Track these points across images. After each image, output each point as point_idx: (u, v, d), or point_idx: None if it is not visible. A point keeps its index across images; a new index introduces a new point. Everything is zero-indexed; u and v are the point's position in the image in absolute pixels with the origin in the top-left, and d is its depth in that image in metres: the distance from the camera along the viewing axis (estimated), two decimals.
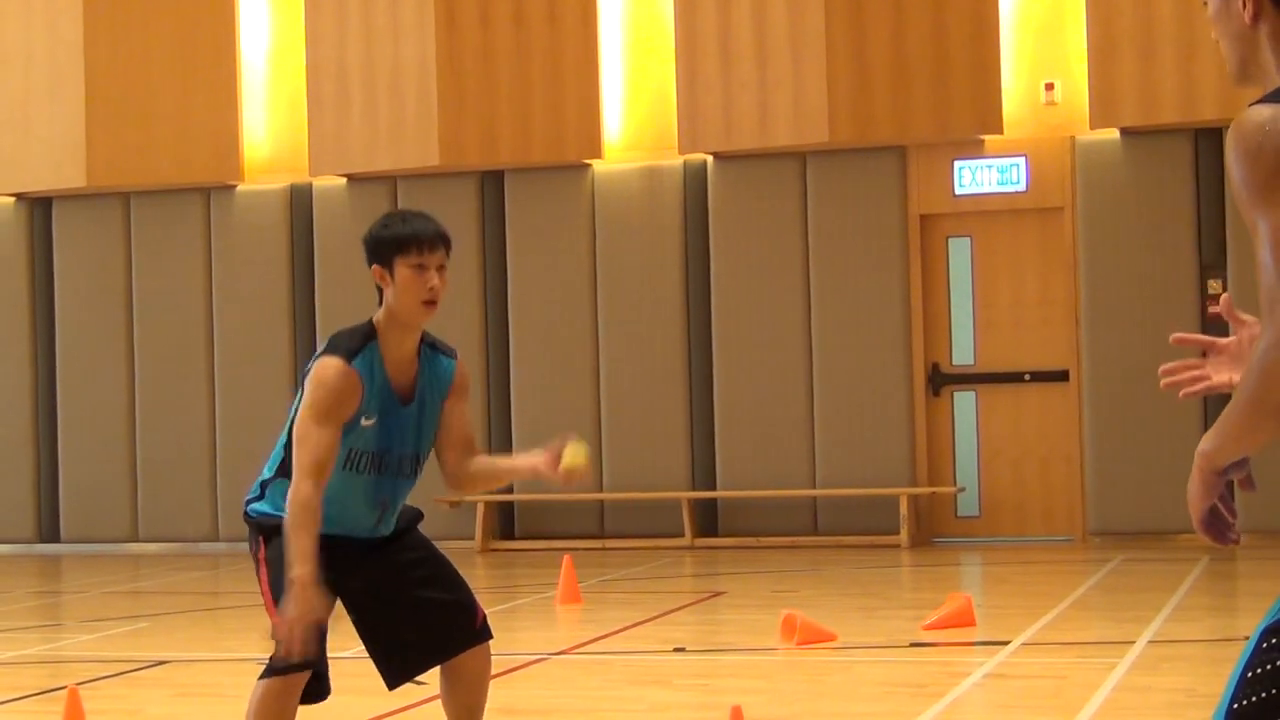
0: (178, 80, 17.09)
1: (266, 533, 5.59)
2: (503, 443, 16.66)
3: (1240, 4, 3.19)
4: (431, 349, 5.71)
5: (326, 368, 5.48)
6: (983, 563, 14.83)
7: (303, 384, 5.58)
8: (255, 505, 5.69)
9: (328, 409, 5.43)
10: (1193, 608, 11.23)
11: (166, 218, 17.52)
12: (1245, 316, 3.37)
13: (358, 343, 5.54)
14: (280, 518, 5.55)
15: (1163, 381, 3.44)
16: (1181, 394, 3.44)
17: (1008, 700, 8.27)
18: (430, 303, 5.52)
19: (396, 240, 5.52)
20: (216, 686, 9.20)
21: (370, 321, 5.61)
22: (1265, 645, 3.07)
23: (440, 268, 5.54)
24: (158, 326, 17.52)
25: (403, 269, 5.51)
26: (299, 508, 5.34)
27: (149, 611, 13.02)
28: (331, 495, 5.53)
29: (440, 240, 5.56)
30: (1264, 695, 3.03)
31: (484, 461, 5.80)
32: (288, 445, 5.58)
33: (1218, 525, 3.20)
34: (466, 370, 5.83)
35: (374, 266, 5.57)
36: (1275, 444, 3.10)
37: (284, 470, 5.59)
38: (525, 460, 5.61)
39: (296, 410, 5.56)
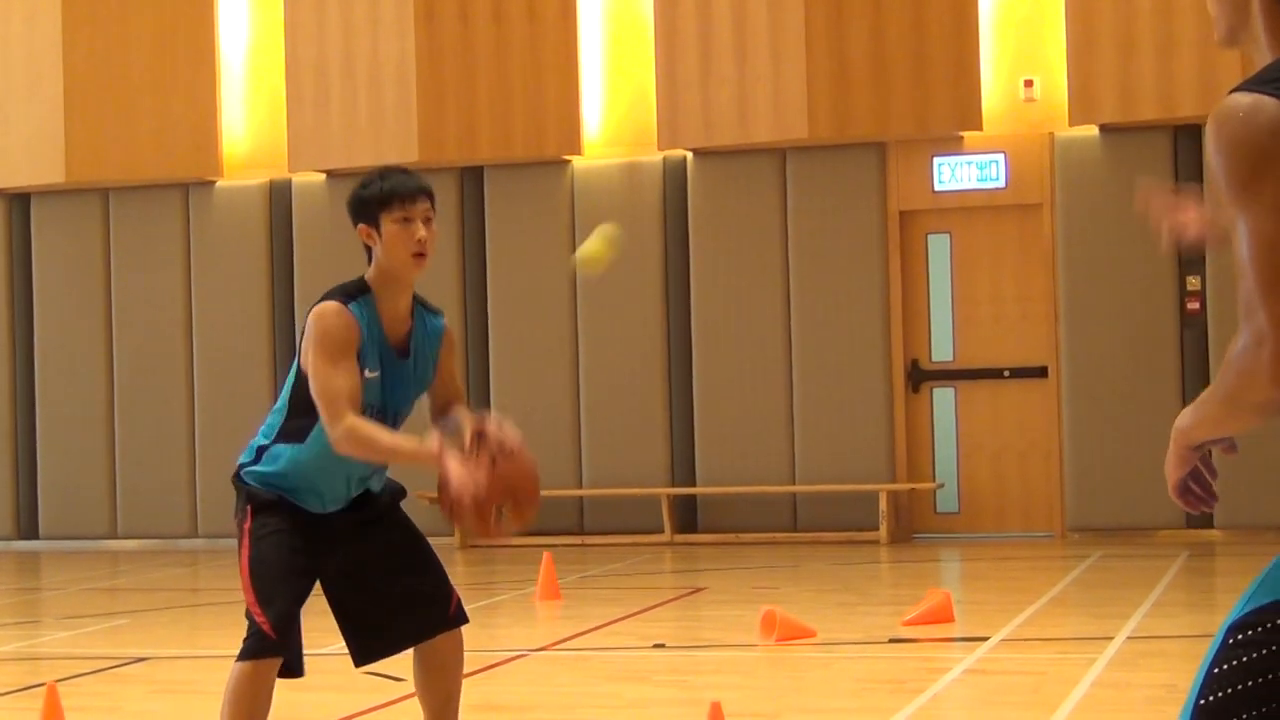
0: (157, 76, 17.06)
1: (256, 504, 5.57)
2: None
3: None
4: (423, 308, 5.73)
5: (324, 309, 5.47)
6: (962, 559, 14.84)
7: (300, 343, 5.55)
8: (252, 468, 5.64)
9: (339, 345, 5.41)
10: (1171, 603, 11.25)
11: (145, 214, 17.48)
12: None
13: (353, 291, 5.54)
14: (274, 489, 5.56)
15: (1142, 203, 3.40)
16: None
17: (987, 696, 8.28)
18: (420, 254, 5.52)
19: (380, 196, 5.52)
20: (196, 683, 9.17)
21: (363, 277, 5.60)
22: (1231, 641, 3.06)
23: (427, 220, 5.54)
24: (137, 323, 17.48)
25: (389, 224, 5.51)
26: (355, 439, 5.29)
27: (128, 608, 12.99)
28: (318, 458, 5.52)
29: (423, 192, 5.56)
30: (1230, 691, 3.03)
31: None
32: (288, 409, 5.57)
33: (1193, 493, 3.23)
34: (451, 327, 5.85)
35: (360, 226, 5.57)
36: (1254, 438, 3.11)
37: (284, 435, 5.58)
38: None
39: (296, 370, 5.55)
